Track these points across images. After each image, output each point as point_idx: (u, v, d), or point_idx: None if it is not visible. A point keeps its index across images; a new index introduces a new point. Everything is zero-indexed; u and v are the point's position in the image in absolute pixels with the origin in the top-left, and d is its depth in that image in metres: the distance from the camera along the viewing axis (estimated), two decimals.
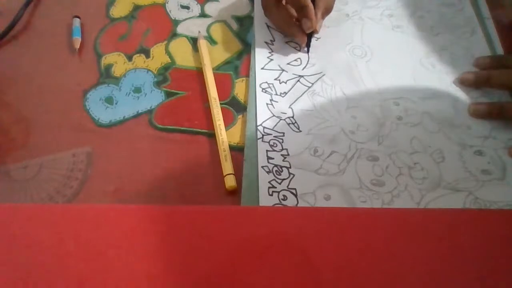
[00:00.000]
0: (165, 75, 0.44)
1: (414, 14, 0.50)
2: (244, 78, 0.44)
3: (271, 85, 0.43)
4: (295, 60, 0.45)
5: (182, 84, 0.44)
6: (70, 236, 0.32)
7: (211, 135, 0.39)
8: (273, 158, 0.38)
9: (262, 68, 0.44)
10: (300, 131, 0.40)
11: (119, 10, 0.50)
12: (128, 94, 0.43)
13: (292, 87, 0.43)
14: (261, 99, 0.42)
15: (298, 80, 0.44)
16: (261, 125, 0.40)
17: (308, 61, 0.45)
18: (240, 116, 0.41)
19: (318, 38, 0.47)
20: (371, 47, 0.47)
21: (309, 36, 0.45)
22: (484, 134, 0.40)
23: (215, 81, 0.43)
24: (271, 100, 0.42)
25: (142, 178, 0.37)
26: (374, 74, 0.44)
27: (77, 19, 0.48)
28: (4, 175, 0.37)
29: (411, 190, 0.36)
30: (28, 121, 0.41)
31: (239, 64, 0.45)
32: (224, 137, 0.39)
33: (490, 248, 0.32)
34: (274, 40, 0.47)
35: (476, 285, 0.31)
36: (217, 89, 0.42)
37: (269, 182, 0.36)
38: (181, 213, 0.33)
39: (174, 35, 0.48)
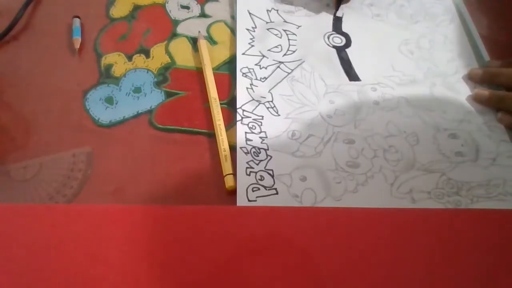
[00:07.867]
0: (165, 75, 0.44)
1: (394, 3, 0.51)
2: None
3: (251, 70, 0.44)
4: (276, 46, 0.46)
5: (182, 84, 0.44)
6: (70, 236, 0.32)
7: (211, 135, 0.39)
8: (251, 140, 0.39)
9: (243, 54, 0.45)
10: (279, 115, 0.41)
11: (119, 10, 0.50)
12: (128, 94, 0.43)
13: (272, 72, 0.44)
14: (242, 83, 0.43)
15: (278, 66, 0.45)
16: (240, 107, 0.41)
17: (288, 48, 0.46)
18: None
19: (299, 27, 0.48)
20: (350, 35, 0.48)
21: None
22: (459, 118, 0.41)
23: (215, 81, 0.43)
24: (251, 84, 0.43)
25: (142, 178, 0.37)
26: (353, 62, 0.45)
27: (77, 19, 0.48)
28: (4, 175, 0.37)
29: (385, 172, 0.37)
30: (28, 121, 0.41)
31: None
32: (224, 137, 0.39)
33: (490, 248, 0.32)
34: (255, 27, 0.48)
35: (476, 285, 0.31)
36: (217, 89, 0.42)
37: (247, 162, 0.37)
38: (181, 213, 0.33)
39: (174, 35, 0.48)
